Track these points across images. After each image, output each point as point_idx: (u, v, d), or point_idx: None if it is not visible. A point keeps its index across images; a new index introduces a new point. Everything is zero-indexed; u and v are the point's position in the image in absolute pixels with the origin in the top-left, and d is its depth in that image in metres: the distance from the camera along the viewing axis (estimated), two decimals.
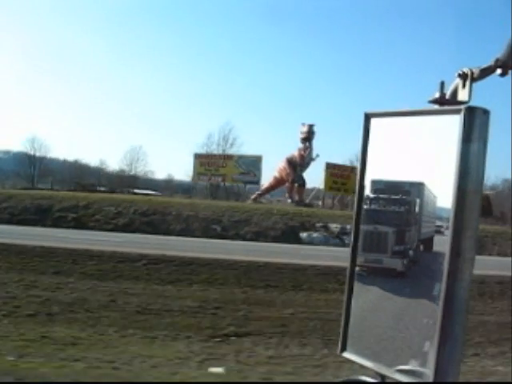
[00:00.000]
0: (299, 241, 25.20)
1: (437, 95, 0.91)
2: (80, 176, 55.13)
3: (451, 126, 0.80)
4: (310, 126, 43.74)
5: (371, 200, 1.00)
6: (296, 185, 44.03)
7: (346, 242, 24.23)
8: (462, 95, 0.88)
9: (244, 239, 26.52)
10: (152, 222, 27.75)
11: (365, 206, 1.00)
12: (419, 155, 0.90)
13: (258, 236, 27.33)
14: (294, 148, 44.97)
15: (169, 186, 57.89)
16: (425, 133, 0.88)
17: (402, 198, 0.95)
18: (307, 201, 44.12)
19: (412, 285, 0.90)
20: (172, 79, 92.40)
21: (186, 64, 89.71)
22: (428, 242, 0.90)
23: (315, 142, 44.34)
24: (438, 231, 0.87)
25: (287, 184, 44.38)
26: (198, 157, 48.01)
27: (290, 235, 27.10)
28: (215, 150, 53.61)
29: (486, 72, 0.88)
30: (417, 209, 0.93)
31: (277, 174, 45.48)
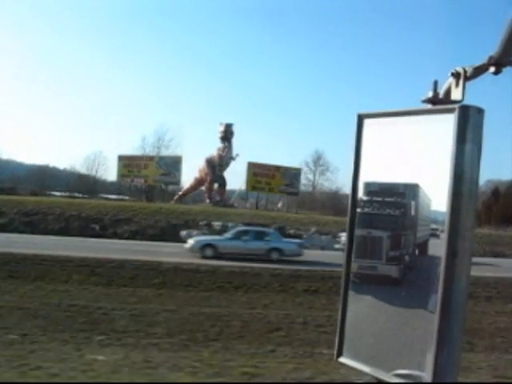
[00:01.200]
0: (179, 239, 25.36)
1: (430, 94, 0.90)
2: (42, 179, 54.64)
3: (445, 125, 0.79)
4: (228, 126, 43.76)
5: (364, 203, 0.96)
6: (216, 185, 44.13)
7: None
8: (456, 94, 0.87)
9: (121, 238, 26.95)
10: (32, 221, 28.00)
11: (358, 210, 0.97)
12: (413, 156, 0.88)
13: (135, 234, 27.86)
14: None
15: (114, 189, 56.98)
16: (418, 133, 0.86)
17: (397, 200, 0.92)
18: (231, 201, 44.16)
19: (408, 293, 0.88)
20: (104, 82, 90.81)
21: (118, 68, 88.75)
22: (423, 246, 0.88)
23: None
24: (434, 234, 0.84)
25: (206, 184, 44.35)
26: (121, 159, 47.76)
27: (169, 233, 27.59)
28: (151, 152, 53.14)
29: (479, 70, 0.87)
30: (412, 212, 0.90)
31: (197, 175, 45.59)
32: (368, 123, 0.94)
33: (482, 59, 0.86)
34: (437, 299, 0.79)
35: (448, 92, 0.89)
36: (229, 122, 44.00)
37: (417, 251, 0.90)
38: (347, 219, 0.97)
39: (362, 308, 0.97)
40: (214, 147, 44.78)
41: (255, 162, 45.65)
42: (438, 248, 0.80)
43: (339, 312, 0.98)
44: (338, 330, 0.98)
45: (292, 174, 47.45)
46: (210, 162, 44.17)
